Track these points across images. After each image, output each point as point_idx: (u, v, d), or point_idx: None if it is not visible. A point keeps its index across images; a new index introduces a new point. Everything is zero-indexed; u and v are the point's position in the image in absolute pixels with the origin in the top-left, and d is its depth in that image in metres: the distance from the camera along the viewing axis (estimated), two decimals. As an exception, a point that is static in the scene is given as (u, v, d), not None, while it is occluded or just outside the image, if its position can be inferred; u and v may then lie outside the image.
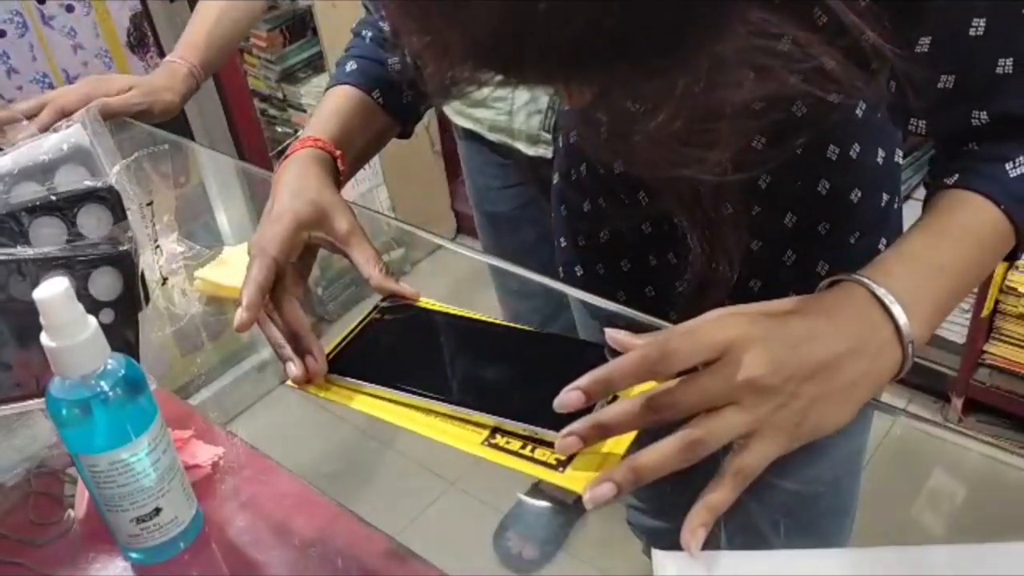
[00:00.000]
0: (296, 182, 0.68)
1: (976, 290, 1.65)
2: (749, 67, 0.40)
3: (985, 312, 1.67)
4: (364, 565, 0.52)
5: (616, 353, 0.56)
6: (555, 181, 0.82)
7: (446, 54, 0.40)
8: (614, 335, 0.55)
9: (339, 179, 0.73)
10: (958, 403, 1.82)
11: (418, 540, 0.54)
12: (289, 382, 0.63)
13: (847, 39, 0.43)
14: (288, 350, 0.62)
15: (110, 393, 0.47)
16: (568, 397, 0.50)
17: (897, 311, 0.50)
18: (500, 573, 0.50)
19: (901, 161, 0.72)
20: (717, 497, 0.47)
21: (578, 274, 0.84)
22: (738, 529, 0.50)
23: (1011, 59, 0.51)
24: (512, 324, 0.66)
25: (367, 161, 0.81)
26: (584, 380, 0.50)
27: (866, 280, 0.51)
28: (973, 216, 0.54)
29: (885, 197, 0.71)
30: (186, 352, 0.85)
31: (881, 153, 0.69)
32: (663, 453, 0.47)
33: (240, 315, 0.61)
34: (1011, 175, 0.54)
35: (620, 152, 0.55)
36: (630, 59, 0.38)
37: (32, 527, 0.57)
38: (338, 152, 0.72)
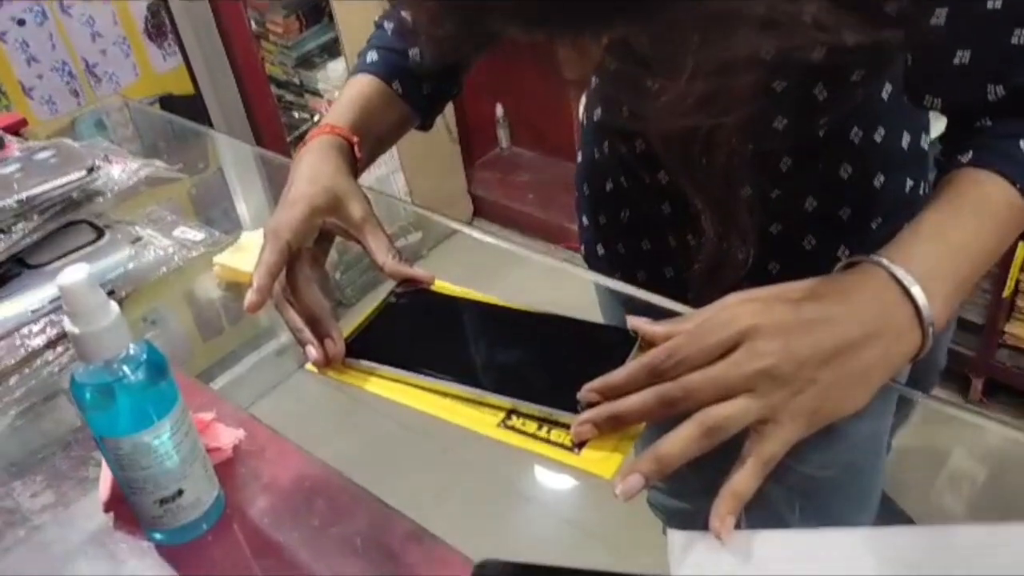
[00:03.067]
0: (312, 169, 0.69)
1: (997, 270, 1.63)
2: (765, 28, 0.40)
3: (1007, 292, 1.65)
4: (385, 547, 0.52)
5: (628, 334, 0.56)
6: (578, 160, 0.82)
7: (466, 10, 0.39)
8: (635, 323, 0.56)
9: (356, 167, 0.73)
10: (978, 384, 1.80)
11: (439, 522, 0.55)
12: (308, 366, 0.64)
13: (864, 8, 0.43)
14: (307, 333, 0.63)
15: (132, 377, 0.48)
16: (586, 398, 0.53)
17: (916, 292, 0.50)
18: (521, 554, 0.50)
19: (927, 146, 0.71)
20: (741, 484, 0.47)
21: (599, 253, 0.84)
22: (757, 511, 0.50)
23: None
24: (525, 307, 0.66)
25: (385, 150, 0.82)
26: (598, 384, 0.53)
27: (884, 261, 0.51)
28: (988, 195, 0.54)
29: (910, 183, 0.70)
30: (207, 337, 0.86)
31: (907, 137, 0.68)
32: (682, 440, 0.48)
33: (250, 297, 0.62)
34: None
35: (641, 123, 0.55)
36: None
37: (58, 509, 0.58)
38: (355, 139, 0.73)
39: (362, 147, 0.74)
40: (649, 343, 0.58)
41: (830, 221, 0.68)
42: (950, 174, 0.56)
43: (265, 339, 0.84)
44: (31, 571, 0.54)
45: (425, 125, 0.82)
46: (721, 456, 0.48)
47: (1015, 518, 0.48)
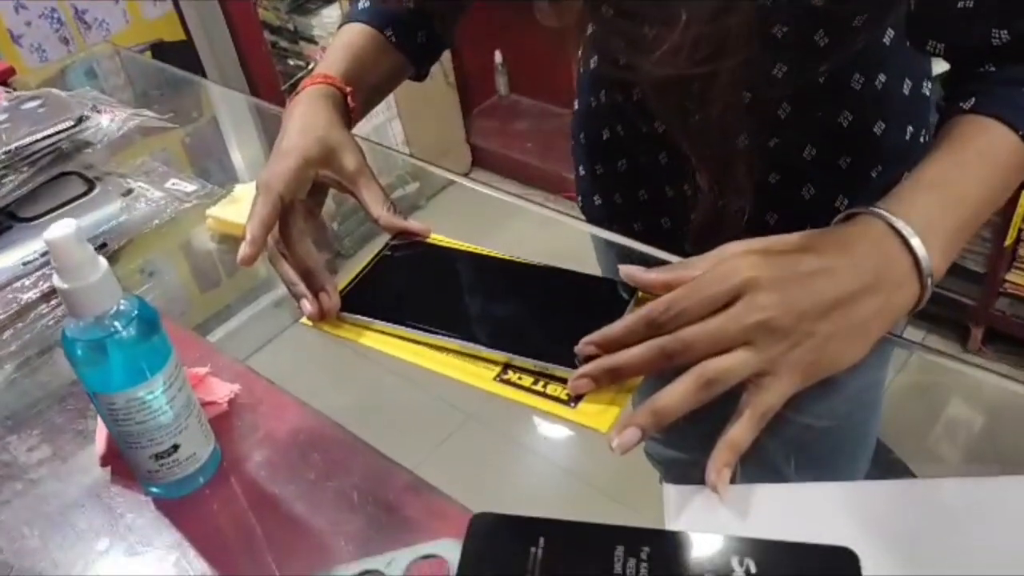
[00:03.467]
0: (304, 119, 0.68)
1: (998, 219, 1.62)
2: None
3: (1008, 241, 1.65)
4: (383, 499, 0.52)
5: (626, 287, 0.56)
6: (575, 108, 0.81)
7: None
8: (627, 271, 0.55)
9: (350, 117, 0.72)
10: (978, 333, 1.81)
11: (436, 473, 0.55)
12: (303, 320, 0.63)
13: None
14: (301, 287, 0.63)
15: (124, 333, 0.48)
16: (584, 351, 0.53)
17: (916, 243, 0.49)
18: (521, 504, 0.50)
19: (929, 92, 0.70)
20: (738, 436, 0.47)
21: (596, 204, 0.83)
22: (752, 463, 0.50)
23: None
24: (522, 260, 0.65)
25: (380, 100, 0.80)
26: (595, 337, 0.52)
27: (884, 212, 0.50)
28: (990, 142, 0.53)
29: (910, 130, 0.69)
30: (203, 290, 0.85)
31: (908, 83, 0.66)
32: (680, 393, 0.47)
33: (243, 250, 0.61)
34: None
35: (635, 73, 0.54)
36: None
37: (55, 463, 0.58)
38: (348, 89, 0.71)
39: (356, 97, 0.72)
40: (647, 296, 0.57)
41: (829, 170, 0.67)
42: (951, 121, 0.55)
43: (262, 291, 0.83)
44: (29, 525, 0.54)
45: (420, 75, 0.81)
46: (719, 406, 0.48)
47: (1011, 470, 0.48)
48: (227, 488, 0.55)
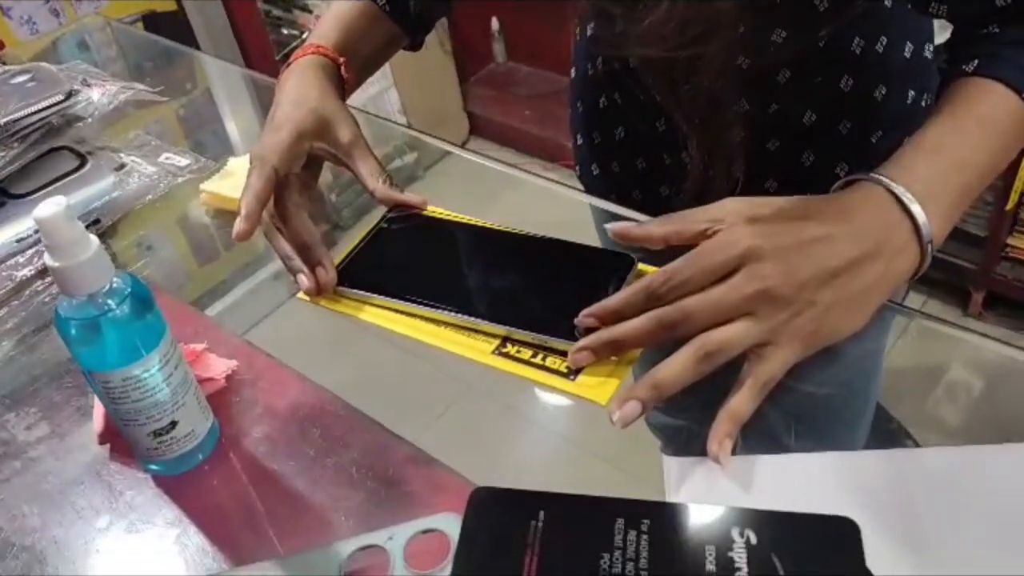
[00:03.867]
0: (298, 91, 0.67)
1: (1000, 182, 1.61)
2: None
3: (1009, 205, 1.64)
4: (384, 472, 0.52)
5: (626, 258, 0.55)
6: (572, 76, 0.80)
7: None
8: (617, 229, 0.54)
9: (343, 88, 0.71)
10: (978, 297, 1.81)
11: (437, 444, 0.55)
12: (300, 294, 0.63)
13: None
14: (297, 262, 0.62)
15: (118, 311, 0.47)
16: (584, 322, 0.53)
17: (916, 210, 0.49)
18: (521, 474, 0.50)
19: (931, 56, 0.68)
20: (739, 406, 0.47)
21: (594, 173, 0.82)
22: (752, 433, 0.50)
23: None
24: (521, 231, 0.65)
25: (374, 71, 0.79)
26: (595, 309, 0.52)
27: (884, 179, 0.50)
28: (993, 105, 0.52)
29: (912, 94, 0.68)
30: (201, 263, 0.85)
31: (910, 47, 0.65)
32: (681, 365, 0.47)
33: (238, 225, 0.60)
34: None
35: (629, 45, 0.53)
36: None
37: (54, 441, 0.58)
38: (342, 60, 0.70)
39: (349, 68, 0.71)
40: (647, 268, 0.57)
41: (829, 136, 0.67)
42: (954, 83, 0.54)
43: (260, 264, 0.83)
44: (29, 503, 0.54)
45: (415, 44, 0.79)
46: (721, 374, 0.48)
47: (1009, 437, 0.48)
48: (227, 464, 0.55)
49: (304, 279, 0.61)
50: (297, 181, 0.65)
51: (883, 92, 0.65)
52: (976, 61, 0.53)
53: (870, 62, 0.64)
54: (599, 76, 0.75)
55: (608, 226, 0.55)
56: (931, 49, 0.68)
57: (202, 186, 0.80)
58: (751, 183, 0.68)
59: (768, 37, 0.61)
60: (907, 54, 0.65)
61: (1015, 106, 0.51)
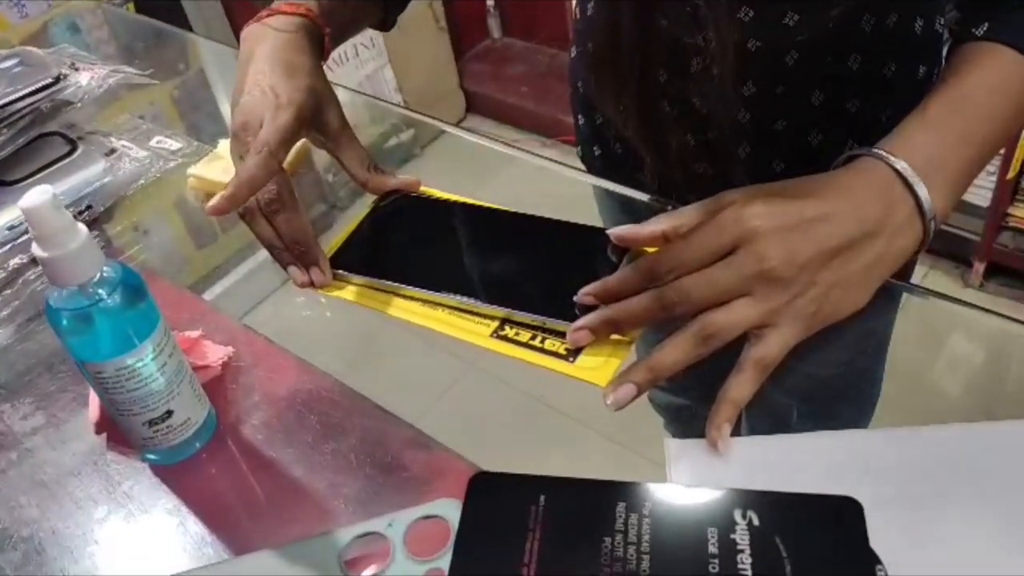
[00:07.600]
0: (287, 56, 0.61)
1: (1002, 151, 1.60)
2: None
3: (1011, 174, 1.62)
4: (383, 457, 0.52)
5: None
6: (571, 56, 0.79)
7: None
8: (618, 234, 0.54)
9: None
10: (980, 267, 1.80)
11: (438, 426, 0.54)
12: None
13: None
14: (287, 254, 0.60)
15: (109, 300, 0.47)
16: (582, 301, 0.52)
17: (919, 187, 0.48)
18: (523, 454, 0.50)
19: (942, 29, 0.67)
20: (738, 390, 0.46)
21: (596, 154, 0.81)
22: (754, 413, 0.49)
23: None
24: (517, 210, 0.64)
25: (336, 47, 0.71)
26: (593, 288, 0.51)
27: (885, 154, 0.49)
28: (1001, 72, 0.51)
29: (922, 69, 0.66)
30: (198, 247, 0.84)
31: (920, 22, 0.63)
32: (679, 349, 0.46)
33: (217, 200, 0.55)
34: None
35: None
36: None
37: (50, 431, 0.58)
38: (327, 30, 0.66)
39: (330, 40, 0.67)
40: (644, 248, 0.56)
41: (838, 115, 0.65)
42: (962, 48, 0.53)
43: (257, 247, 0.82)
44: (26, 494, 0.54)
45: (386, 22, 0.76)
46: (725, 353, 0.47)
47: (1014, 413, 0.47)
48: (225, 452, 0.55)
49: (297, 273, 0.60)
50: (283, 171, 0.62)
51: (893, 69, 0.64)
52: (986, 24, 0.52)
53: (880, 39, 0.62)
54: (601, 55, 0.74)
55: (610, 232, 0.55)
56: (942, 22, 0.66)
57: (190, 170, 0.78)
58: (758, 163, 0.66)
59: (781, 21, 0.59)
60: (917, 30, 0.64)
61: (1023, 70, 0.50)
